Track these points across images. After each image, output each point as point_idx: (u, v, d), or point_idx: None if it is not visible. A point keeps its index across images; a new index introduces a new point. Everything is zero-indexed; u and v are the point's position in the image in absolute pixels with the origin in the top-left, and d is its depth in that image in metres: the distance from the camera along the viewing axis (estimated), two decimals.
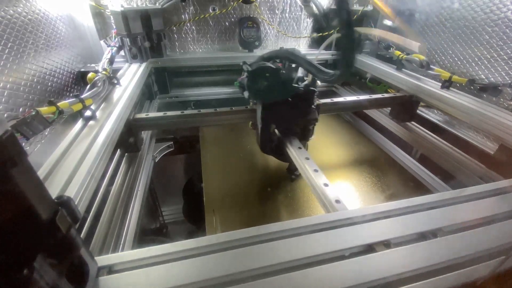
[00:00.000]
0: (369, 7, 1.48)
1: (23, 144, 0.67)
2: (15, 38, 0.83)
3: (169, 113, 1.01)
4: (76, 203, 0.47)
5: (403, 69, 1.27)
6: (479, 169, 0.93)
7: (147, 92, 1.43)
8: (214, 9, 1.43)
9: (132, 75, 1.15)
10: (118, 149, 1.01)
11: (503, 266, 0.46)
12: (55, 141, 0.70)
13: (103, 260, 0.42)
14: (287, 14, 1.56)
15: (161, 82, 1.47)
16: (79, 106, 0.76)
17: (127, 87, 1.02)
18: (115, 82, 1.01)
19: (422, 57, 1.16)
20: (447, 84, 1.06)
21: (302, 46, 1.71)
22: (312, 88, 0.86)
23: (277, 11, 1.52)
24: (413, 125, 1.22)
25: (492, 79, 1.06)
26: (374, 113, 1.39)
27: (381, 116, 1.34)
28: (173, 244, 0.44)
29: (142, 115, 1.00)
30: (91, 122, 0.77)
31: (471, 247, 0.45)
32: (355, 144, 1.36)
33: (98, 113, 0.81)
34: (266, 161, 1.19)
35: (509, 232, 0.49)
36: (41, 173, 0.56)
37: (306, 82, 0.85)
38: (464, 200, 0.56)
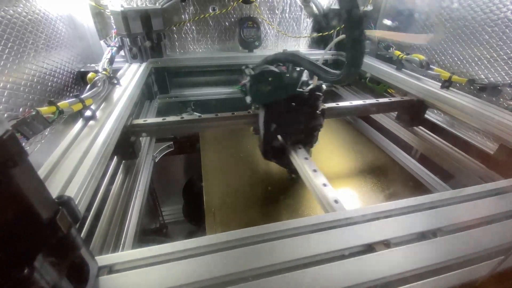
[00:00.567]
0: (369, 7, 1.48)
1: (23, 144, 0.67)
2: (15, 38, 0.83)
3: (168, 119, 0.96)
4: (76, 202, 0.47)
5: (403, 69, 1.27)
6: (479, 169, 0.94)
7: (147, 92, 1.43)
8: (214, 9, 1.43)
9: (132, 75, 1.15)
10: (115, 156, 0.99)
11: (503, 265, 0.46)
12: (55, 141, 0.70)
13: (103, 259, 0.42)
14: (287, 14, 1.56)
15: (161, 82, 1.47)
16: (79, 106, 0.76)
17: (127, 87, 1.02)
18: (115, 82, 1.01)
19: (422, 57, 1.16)
20: (447, 84, 1.06)
21: (302, 46, 1.71)
22: (317, 92, 0.83)
23: (277, 11, 1.52)
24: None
25: (492, 79, 1.06)
26: (376, 115, 1.39)
27: (382, 117, 1.34)
28: (173, 244, 0.44)
29: (140, 121, 0.95)
30: (91, 122, 0.77)
31: (470, 247, 0.46)
32: (356, 145, 1.36)
33: (98, 113, 0.81)
34: (266, 161, 1.19)
35: (509, 232, 0.49)
36: (41, 172, 0.57)
37: (311, 87, 0.82)
38: (464, 200, 0.56)
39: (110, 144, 0.73)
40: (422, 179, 1.08)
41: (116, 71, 1.14)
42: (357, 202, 1.00)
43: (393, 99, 1.18)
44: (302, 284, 0.39)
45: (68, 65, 1.14)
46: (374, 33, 1.24)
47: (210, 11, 1.43)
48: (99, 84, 0.89)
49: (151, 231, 2.07)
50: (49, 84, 0.99)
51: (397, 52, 1.27)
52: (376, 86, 1.48)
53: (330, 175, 1.13)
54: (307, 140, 0.94)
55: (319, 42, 1.68)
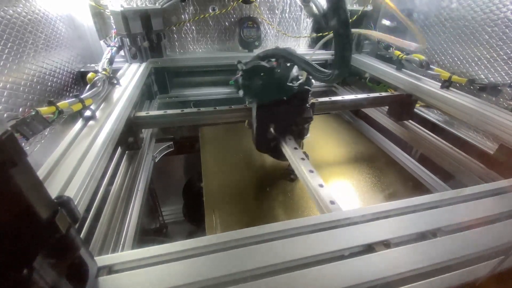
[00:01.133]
0: (369, 7, 1.48)
1: (23, 144, 0.67)
2: (15, 38, 0.83)
3: (169, 111, 1.03)
4: (75, 203, 0.47)
5: (403, 69, 1.27)
6: (479, 169, 0.93)
7: (147, 92, 1.43)
8: (214, 9, 1.43)
9: (132, 75, 1.15)
10: (119, 149, 1.01)
11: (502, 265, 0.46)
12: (55, 141, 0.70)
13: (103, 260, 0.42)
14: (287, 14, 1.56)
15: (161, 82, 1.47)
16: (79, 106, 0.76)
17: (127, 87, 1.02)
18: (115, 82, 1.01)
19: (422, 57, 1.16)
20: (447, 84, 1.06)
21: (302, 46, 1.71)
22: (306, 87, 0.87)
23: (277, 11, 1.52)
24: (413, 125, 1.21)
25: (491, 79, 1.06)
26: (373, 113, 1.39)
27: (381, 116, 1.34)
28: (173, 244, 0.44)
29: (143, 113, 1.02)
30: (91, 122, 0.77)
31: (470, 247, 0.45)
32: (355, 144, 1.36)
33: (98, 113, 0.81)
34: (265, 161, 1.20)
35: (508, 232, 0.49)
36: (41, 173, 0.56)
37: (300, 81, 0.85)
38: (464, 200, 0.56)
39: (109, 144, 0.73)
40: (422, 179, 1.08)
41: (116, 71, 1.14)
42: (356, 203, 1.00)
43: (383, 94, 1.19)
44: (302, 284, 0.39)
45: (68, 65, 1.14)
46: (371, 33, 1.24)
47: (210, 11, 1.42)
48: (99, 84, 0.89)
49: (151, 231, 2.07)
50: (49, 84, 0.99)
51: (397, 52, 1.27)
52: (376, 86, 1.48)
53: (328, 174, 1.13)
54: (298, 132, 0.98)
55: (318, 42, 1.68)
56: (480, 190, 0.58)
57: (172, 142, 1.36)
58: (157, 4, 1.29)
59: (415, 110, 1.23)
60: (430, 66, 1.14)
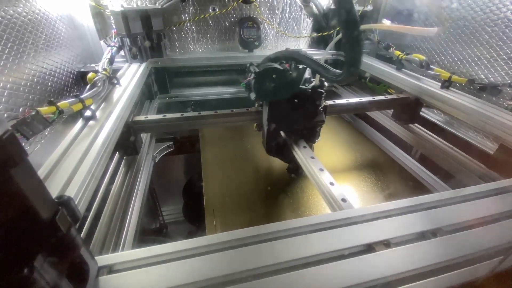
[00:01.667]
0: (369, 7, 1.48)
1: (23, 144, 0.67)
2: (15, 38, 0.83)
3: (169, 116, 0.99)
4: (76, 202, 0.47)
5: (403, 69, 1.27)
6: (479, 169, 0.93)
7: (147, 92, 1.43)
8: (214, 9, 1.43)
9: (132, 75, 1.15)
10: (117, 152, 1.00)
11: (503, 265, 0.46)
12: (55, 141, 0.70)
13: (103, 259, 0.42)
14: (287, 14, 1.56)
15: (161, 82, 1.47)
16: (79, 106, 0.76)
17: (127, 87, 1.02)
18: (115, 82, 1.01)
19: (422, 57, 1.16)
20: (447, 84, 1.06)
21: (302, 46, 1.71)
22: (319, 89, 0.86)
23: (277, 11, 1.52)
24: (413, 125, 1.22)
25: (491, 79, 1.06)
26: (374, 114, 1.39)
27: (382, 117, 1.34)
28: (173, 244, 0.44)
29: (141, 117, 0.98)
30: (91, 122, 0.77)
31: (470, 247, 0.45)
32: (355, 145, 1.36)
33: (98, 113, 0.81)
34: (266, 161, 1.20)
35: (509, 232, 0.49)
36: (41, 173, 0.56)
37: (313, 84, 0.85)
38: (464, 200, 0.56)
39: (110, 144, 0.73)
40: (422, 179, 1.08)
41: (116, 71, 1.14)
42: (356, 202, 1.00)
43: (389, 97, 1.18)
44: (302, 284, 0.39)
45: (68, 65, 1.14)
46: (382, 27, 1.22)
47: (210, 11, 1.43)
48: (99, 84, 0.89)
49: (151, 231, 2.07)
50: (49, 84, 0.99)
51: (397, 52, 1.27)
52: (376, 86, 1.48)
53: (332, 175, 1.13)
54: (310, 135, 0.97)
55: (319, 42, 1.68)
56: (480, 190, 0.58)
57: (172, 142, 1.36)
58: (157, 4, 1.29)
59: None
60: (430, 66, 1.14)
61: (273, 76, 0.81)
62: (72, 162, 0.60)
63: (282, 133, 0.96)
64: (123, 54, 1.31)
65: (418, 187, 1.07)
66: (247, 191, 1.04)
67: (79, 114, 0.78)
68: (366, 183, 1.08)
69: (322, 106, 0.92)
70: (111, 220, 0.77)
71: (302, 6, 1.55)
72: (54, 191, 0.52)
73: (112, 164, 0.95)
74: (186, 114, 1.01)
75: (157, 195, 1.94)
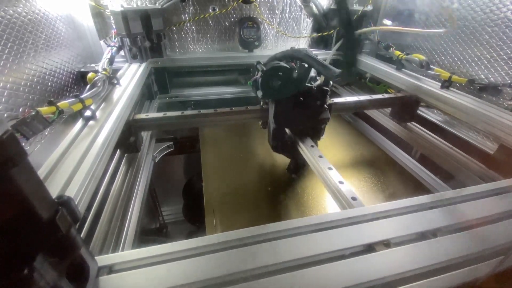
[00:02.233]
0: (369, 7, 1.48)
1: (23, 144, 0.67)
2: (15, 38, 0.83)
3: (169, 114, 1.01)
4: (76, 203, 0.47)
5: (403, 69, 1.27)
6: (479, 169, 0.93)
7: (147, 92, 1.43)
8: (214, 9, 1.43)
9: (132, 75, 1.15)
10: (118, 149, 1.00)
11: (502, 265, 0.46)
12: (55, 141, 0.70)
13: (103, 259, 0.42)
14: (287, 14, 1.56)
15: (161, 82, 1.47)
16: (79, 106, 0.76)
17: (127, 87, 1.02)
18: (115, 82, 1.01)
19: (422, 57, 1.16)
20: (447, 84, 1.06)
21: (302, 46, 1.71)
22: (325, 87, 0.87)
23: (277, 11, 1.52)
24: (413, 125, 1.22)
25: (492, 79, 1.06)
26: (374, 113, 1.39)
27: (381, 117, 1.34)
28: (173, 244, 0.44)
29: (142, 115, 1.00)
30: (91, 122, 0.77)
31: (470, 247, 0.46)
32: (355, 145, 1.36)
33: (98, 113, 0.81)
34: (266, 160, 1.20)
35: (508, 232, 0.49)
36: (41, 173, 0.56)
37: (318, 82, 0.86)
38: (464, 200, 0.56)
39: (110, 144, 0.73)
40: (422, 179, 1.08)
41: (116, 71, 1.14)
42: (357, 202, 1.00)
43: (386, 96, 1.19)
44: (302, 284, 0.39)
45: (68, 65, 1.14)
46: (389, 29, 1.22)
47: (210, 11, 1.42)
48: (99, 84, 0.89)
49: (151, 231, 2.07)
50: (49, 84, 0.99)
51: (397, 52, 1.27)
52: (376, 86, 1.48)
53: None
54: (315, 133, 0.98)
55: (319, 42, 1.68)
56: (480, 190, 0.58)
57: (172, 142, 1.36)
58: (157, 4, 1.29)
59: None
60: (430, 66, 1.14)
61: (280, 74, 0.82)
62: (72, 162, 0.60)
63: (287, 130, 0.97)
64: (123, 54, 1.30)
65: (418, 187, 1.06)
66: (247, 191, 1.04)
67: (79, 114, 0.78)
68: (366, 183, 1.08)
69: (327, 104, 0.93)
70: (111, 220, 0.77)
71: (302, 6, 1.55)
72: (54, 191, 0.52)
73: (112, 164, 0.95)
74: (186, 112, 1.02)
75: (157, 195, 1.94)
